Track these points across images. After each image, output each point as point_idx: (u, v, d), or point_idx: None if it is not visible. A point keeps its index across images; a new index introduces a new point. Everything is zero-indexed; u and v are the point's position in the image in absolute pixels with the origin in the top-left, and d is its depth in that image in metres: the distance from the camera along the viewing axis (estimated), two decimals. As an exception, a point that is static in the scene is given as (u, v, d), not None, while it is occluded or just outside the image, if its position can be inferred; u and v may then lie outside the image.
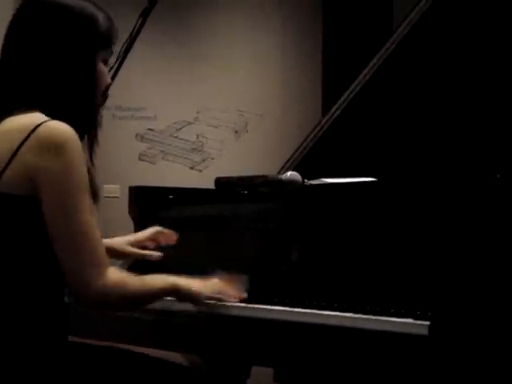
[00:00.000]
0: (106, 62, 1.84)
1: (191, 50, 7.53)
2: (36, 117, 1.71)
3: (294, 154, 2.61)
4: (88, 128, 1.79)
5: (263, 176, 2.24)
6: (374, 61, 2.53)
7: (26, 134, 1.67)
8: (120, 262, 2.31)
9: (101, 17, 1.81)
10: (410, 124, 2.41)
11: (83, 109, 1.78)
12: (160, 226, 2.28)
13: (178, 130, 7.54)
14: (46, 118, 1.70)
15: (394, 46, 2.51)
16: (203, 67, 7.52)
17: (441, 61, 2.43)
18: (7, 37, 1.79)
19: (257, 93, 7.53)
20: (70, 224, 1.68)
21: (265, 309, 1.84)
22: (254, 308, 1.87)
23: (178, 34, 7.51)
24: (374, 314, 1.65)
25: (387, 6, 6.44)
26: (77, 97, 1.77)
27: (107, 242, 2.06)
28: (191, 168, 7.55)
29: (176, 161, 7.54)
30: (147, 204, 2.44)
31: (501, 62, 2.29)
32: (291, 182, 2.13)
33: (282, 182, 2.14)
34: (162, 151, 7.50)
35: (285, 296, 1.88)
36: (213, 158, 7.55)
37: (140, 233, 2.28)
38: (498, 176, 1.63)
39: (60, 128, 1.68)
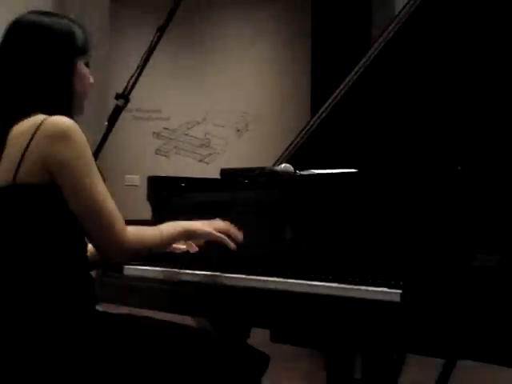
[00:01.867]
0: (87, 64, 1.87)
1: (201, 61, 7.53)
2: (38, 117, 1.72)
3: (287, 148, 2.61)
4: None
5: (261, 168, 2.24)
6: (352, 73, 2.50)
7: (34, 131, 1.68)
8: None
9: (77, 30, 1.83)
10: (386, 122, 2.41)
11: (65, 106, 1.79)
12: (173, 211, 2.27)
13: (188, 128, 7.55)
14: (46, 116, 1.71)
15: (376, 52, 2.46)
16: (211, 76, 7.53)
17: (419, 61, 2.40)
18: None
19: (256, 99, 7.55)
20: (90, 199, 1.69)
21: (262, 280, 1.85)
22: (252, 279, 1.88)
23: (190, 46, 7.51)
24: (354, 284, 1.65)
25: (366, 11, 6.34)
26: (60, 97, 1.78)
27: None
28: (200, 161, 7.56)
29: (187, 155, 7.56)
30: (163, 191, 2.44)
31: (476, 59, 2.26)
32: (285, 173, 2.13)
33: (277, 172, 2.14)
34: (175, 147, 7.51)
35: (278, 268, 1.89)
36: (218, 153, 7.55)
37: None
38: (459, 168, 1.64)
39: (62, 120, 1.70)
